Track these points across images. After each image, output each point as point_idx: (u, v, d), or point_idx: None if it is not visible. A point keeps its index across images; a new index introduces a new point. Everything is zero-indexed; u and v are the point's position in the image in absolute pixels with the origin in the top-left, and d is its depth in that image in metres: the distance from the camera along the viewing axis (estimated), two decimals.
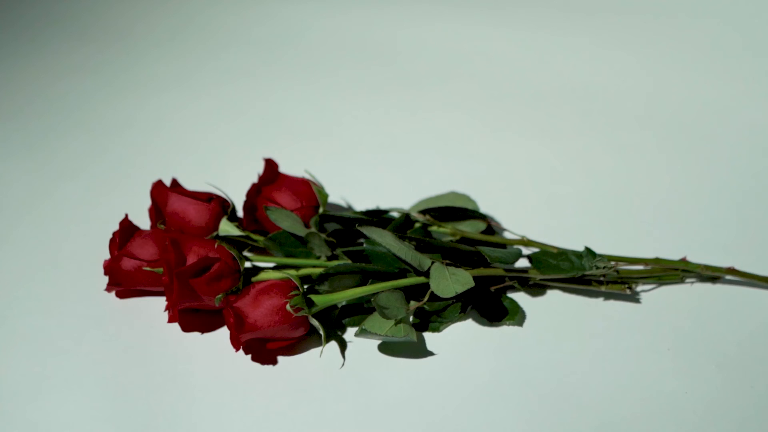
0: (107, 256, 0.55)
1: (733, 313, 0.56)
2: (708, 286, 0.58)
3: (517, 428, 0.47)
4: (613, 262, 0.56)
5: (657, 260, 0.58)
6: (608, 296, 0.57)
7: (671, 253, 0.59)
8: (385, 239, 0.53)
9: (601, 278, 0.56)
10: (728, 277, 0.58)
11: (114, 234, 0.54)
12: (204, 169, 0.67)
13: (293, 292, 0.50)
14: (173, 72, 0.86)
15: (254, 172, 0.63)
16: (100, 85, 0.82)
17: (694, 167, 0.73)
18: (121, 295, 0.55)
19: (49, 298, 0.55)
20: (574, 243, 0.59)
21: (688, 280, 0.58)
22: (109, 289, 0.53)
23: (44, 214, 0.63)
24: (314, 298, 0.51)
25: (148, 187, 0.58)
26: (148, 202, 0.59)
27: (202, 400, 0.48)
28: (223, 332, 0.53)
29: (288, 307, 0.49)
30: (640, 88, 0.85)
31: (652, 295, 0.57)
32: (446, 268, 0.52)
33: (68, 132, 0.74)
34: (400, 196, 0.65)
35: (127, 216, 0.54)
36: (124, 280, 0.53)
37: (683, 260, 0.58)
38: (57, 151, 0.71)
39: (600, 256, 0.55)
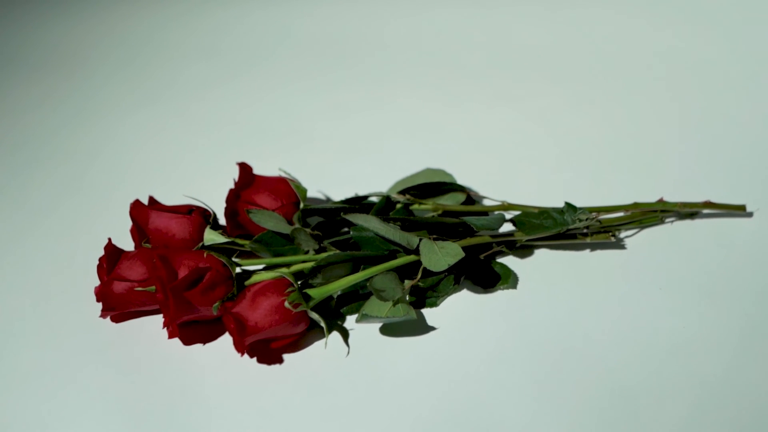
0: (96, 283, 0.55)
1: (715, 245, 0.57)
2: (687, 223, 0.60)
3: (529, 386, 0.48)
4: (594, 213, 0.57)
5: (635, 205, 0.59)
6: (594, 247, 0.58)
7: (647, 196, 0.61)
8: (370, 223, 0.53)
9: (585, 230, 0.57)
10: (705, 210, 0.60)
11: (100, 259, 0.53)
12: (179, 184, 0.67)
13: (289, 289, 0.50)
14: (134, 94, 0.85)
15: (229, 178, 0.63)
16: (64, 116, 0.81)
17: (653, 111, 0.74)
18: (116, 319, 0.54)
19: (45, 334, 0.54)
20: (553, 201, 0.60)
21: (667, 219, 0.60)
22: (103, 315, 0.53)
23: (25, 251, 0.62)
24: (310, 291, 0.51)
25: (126, 209, 0.58)
26: (127, 225, 0.59)
27: (218, 410, 0.48)
28: (225, 340, 0.53)
29: (286, 304, 0.49)
30: (589, 42, 0.86)
31: (635, 240, 0.58)
32: (434, 243, 0.53)
33: (40, 166, 0.73)
34: (376, 182, 0.65)
35: (110, 240, 0.53)
36: (117, 303, 0.53)
37: (660, 201, 0.59)
38: (30, 187, 0.70)
39: (581, 209, 0.56)
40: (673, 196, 0.60)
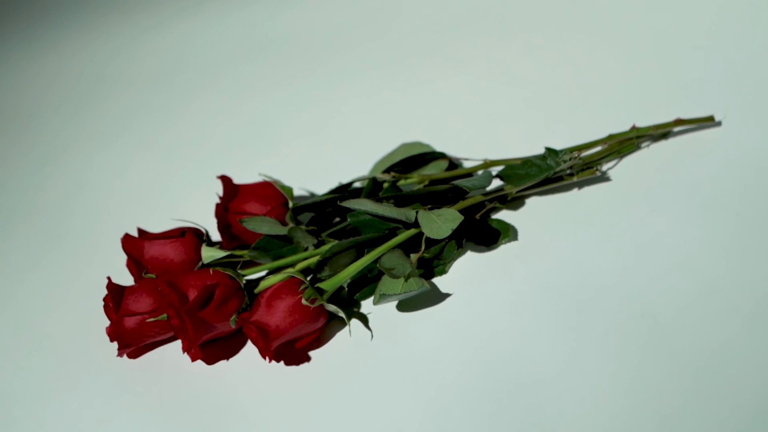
0: (101, 326, 0.54)
1: (693, 158, 0.59)
2: (663, 144, 0.61)
3: (553, 330, 0.49)
4: (575, 152, 0.58)
5: (611, 136, 0.60)
6: (581, 185, 0.59)
7: (620, 126, 0.62)
8: (365, 206, 0.54)
9: (570, 171, 0.59)
10: (677, 129, 0.62)
11: (105, 299, 0.52)
12: (163, 209, 0.66)
13: (303, 286, 0.50)
14: (97, 130, 0.83)
15: (211, 193, 0.62)
16: (32, 168, 0.79)
17: (605, 43, 0.76)
18: (133, 355, 0.54)
19: (64, 387, 0.53)
20: (531, 149, 0.61)
21: (643, 144, 0.61)
22: (120, 353, 0.52)
23: (23, 308, 0.60)
24: (321, 285, 0.51)
25: (114, 246, 0.57)
26: (119, 261, 0.58)
27: (260, 421, 0.48)
28: (248, 351, 0.52)
29: (303, 301, 0.49)
30: None
31: (618, 170, 0.60)
32: (431, 213, 0.54)
33: (19, 223, 0.71)
34: (355, 168, 0.65)
35: (110, 278, 0.52)
36: (132, 339, 0.52)
37: (633, 128, 0.61)
38: (14, 245, 0.68)
39: (561, 150, 0.57)
40: (644, 121, 0.62)
